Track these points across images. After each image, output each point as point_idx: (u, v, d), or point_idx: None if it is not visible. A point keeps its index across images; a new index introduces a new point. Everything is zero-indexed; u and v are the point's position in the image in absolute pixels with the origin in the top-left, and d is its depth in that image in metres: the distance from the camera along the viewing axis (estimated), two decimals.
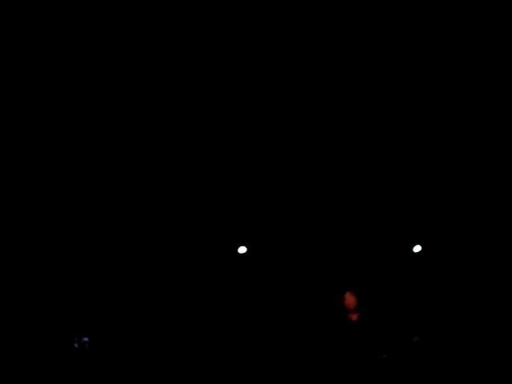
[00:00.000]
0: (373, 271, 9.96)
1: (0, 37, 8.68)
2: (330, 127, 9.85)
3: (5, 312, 9.67)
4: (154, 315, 9.37)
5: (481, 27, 8.28)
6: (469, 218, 10.11)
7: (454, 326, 9.25)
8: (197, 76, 9.46)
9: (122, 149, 10.35)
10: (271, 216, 10.66)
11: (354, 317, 6.89)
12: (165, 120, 10.06)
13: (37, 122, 9.98)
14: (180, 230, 10.70)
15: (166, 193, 10.69)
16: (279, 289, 10.39)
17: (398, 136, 9.81)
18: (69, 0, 8.27)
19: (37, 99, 9.74)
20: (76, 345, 9.39)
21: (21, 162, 10.30)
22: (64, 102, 9.76)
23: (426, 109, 9.39)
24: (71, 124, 10.04)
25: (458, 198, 10.08)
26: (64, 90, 9.61)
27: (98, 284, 10.33)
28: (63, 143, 10.24)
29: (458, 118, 9.37)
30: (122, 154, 10.41)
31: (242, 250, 10.70)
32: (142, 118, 9.99)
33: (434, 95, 9.23)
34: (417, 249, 10.29)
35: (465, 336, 8.99)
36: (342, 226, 10.39)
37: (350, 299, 6.83)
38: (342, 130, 9.88)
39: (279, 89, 9.57)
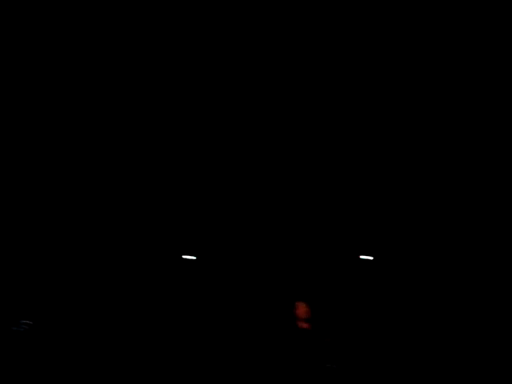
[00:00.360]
0: (324, 280, 10.02)
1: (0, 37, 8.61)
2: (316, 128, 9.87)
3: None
4: (144, 314, 9.24)
5: (481, 27, 8.38)
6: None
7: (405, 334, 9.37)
8: (197, 76, 9.40)
9: (121, 148, 10.22)
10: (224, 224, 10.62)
11: (305, 325, 6.95)
12: (164, 120, 9.98)
13: (37, 122, 9.83)
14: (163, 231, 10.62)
15: (165, 192, 10.59)
16: (232, 296, 10.37)
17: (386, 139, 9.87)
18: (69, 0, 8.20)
19: (37, 99, 9.61)
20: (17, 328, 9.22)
21: (21, 162, 10.12)
22: (64, 101, 9.63)
23: (424, 109, 9.45)
24: (71, 124, 9.89)
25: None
26: (64, 90, 9.50)
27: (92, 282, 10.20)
28: (63, 143, 10.08)
29: (457, 118, 9.44)
30: (120, 152, 10.28)
31: (188, 257, 10.64)
32: (142, 117, 9.89)
33: (434, 95, 9.30)
34: (365, 257, 10.42)
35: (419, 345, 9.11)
36: (296, 234, 10.43)
37: (301, 308, 6.90)
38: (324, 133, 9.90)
39: (279, 89, 9.57)
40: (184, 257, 10.76)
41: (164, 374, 9.04)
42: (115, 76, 9.43)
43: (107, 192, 10.69)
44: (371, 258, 10.28)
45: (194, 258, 10.82)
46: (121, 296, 10.10)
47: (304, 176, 10.49)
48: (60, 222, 10.72)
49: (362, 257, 10.43)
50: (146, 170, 10.58)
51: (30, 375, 8.58)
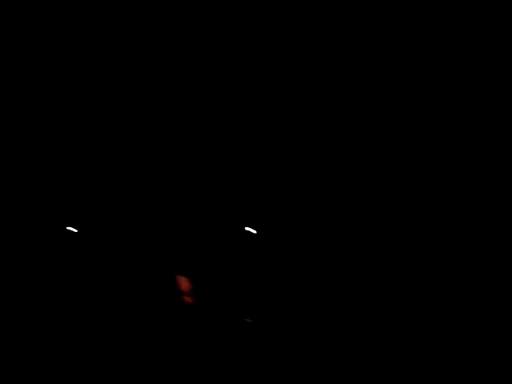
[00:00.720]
0: (207, 254, 10.01)
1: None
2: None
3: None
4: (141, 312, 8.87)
5: (481, 27, 8.43)
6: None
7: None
8: (197, 76, 9.14)
9: (120, 147, 9.87)
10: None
11: (189, 299, 6.92)
12: (164, 119, 9.67)
13: (37, 122, 9.43)
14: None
15: (163, 191, 10.24)
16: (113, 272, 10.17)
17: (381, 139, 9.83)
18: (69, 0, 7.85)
19: (37, 99, 9.23)
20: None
21: (21, 162, 9.71)
22: (64, 101, 9.27)
23: (422, 109, 9.44)
24: (71, 124, 9.53)
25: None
26: (64, 90, 9.15)
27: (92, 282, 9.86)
28: (63, 143, 9.70)
29: (456, 118, 9.48)
30: (120, 152, 9.93)
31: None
32: (142, 117, 9.57)
33: (433, 95, 9.29)
34: (249, 229, 10.49)
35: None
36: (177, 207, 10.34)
37: (183, 283, 6.85)
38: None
39: (279, 89, 9.37)
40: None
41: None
42: (115, 76, 9.15)
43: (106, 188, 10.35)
44: (254, 231, 10.37)
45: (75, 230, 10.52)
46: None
47: (188, 148, 10.39)
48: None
49: (247, 228, 10.48)
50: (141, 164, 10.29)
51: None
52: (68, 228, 10.39)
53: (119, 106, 9.75)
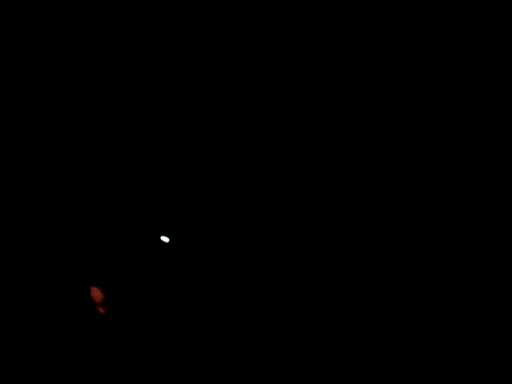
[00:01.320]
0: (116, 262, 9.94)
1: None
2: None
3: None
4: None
5: (481, 27, 8.49)
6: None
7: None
8: (197, 76, 8.97)
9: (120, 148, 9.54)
10: None
11: (102, 310, 6.87)
12: (164, 119, 9.41)
13: (37, 122, 9.08)
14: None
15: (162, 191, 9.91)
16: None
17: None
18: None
19: (37, 99, 8.93)
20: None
21: (21, 161, 9.29)
22: (64, 101, 9.00)
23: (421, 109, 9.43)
24: (71, 124, 9.21)
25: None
26: (64, 90, 8.90)
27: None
28: (63, 143, 9.33)
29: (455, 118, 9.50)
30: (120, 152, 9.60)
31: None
32: (142, 117, 9.29)
33: (434, 95, 9.29)
34: (164, 239, 10.47)
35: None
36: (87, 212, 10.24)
37: (95, 292, 6.80)
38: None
39: (279, 89, 9.24)
40: None
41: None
42: (115, 76, 9.00)
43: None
44: (167, 239, 10.37)
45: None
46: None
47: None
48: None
49: (162, 238, 10.46)
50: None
51: None
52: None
53: (117, 106, 9.66)
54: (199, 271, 10.21)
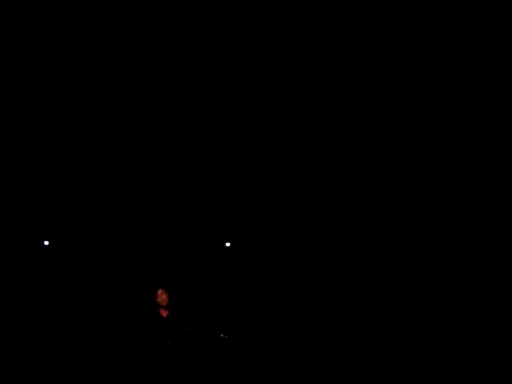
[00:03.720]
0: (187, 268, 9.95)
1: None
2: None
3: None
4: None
5: (481, 27, 8.43)
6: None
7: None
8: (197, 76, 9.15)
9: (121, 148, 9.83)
10: None
11: (164, 313, 6.89)
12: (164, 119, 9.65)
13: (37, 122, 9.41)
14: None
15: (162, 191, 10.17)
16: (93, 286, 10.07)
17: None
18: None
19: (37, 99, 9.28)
20: None
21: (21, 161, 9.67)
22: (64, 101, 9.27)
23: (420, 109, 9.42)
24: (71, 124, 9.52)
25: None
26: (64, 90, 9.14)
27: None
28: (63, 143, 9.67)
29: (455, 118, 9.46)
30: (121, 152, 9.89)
31: None
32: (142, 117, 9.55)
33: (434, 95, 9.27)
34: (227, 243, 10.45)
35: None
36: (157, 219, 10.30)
37: (161, 296, 6.81)
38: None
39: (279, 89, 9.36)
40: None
41: None
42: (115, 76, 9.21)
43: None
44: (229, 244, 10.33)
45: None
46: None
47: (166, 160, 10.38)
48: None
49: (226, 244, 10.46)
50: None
51: None
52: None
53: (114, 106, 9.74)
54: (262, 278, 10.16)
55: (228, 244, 10.28)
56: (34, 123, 9.68)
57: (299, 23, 8.98)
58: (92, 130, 9.79)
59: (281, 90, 9.75)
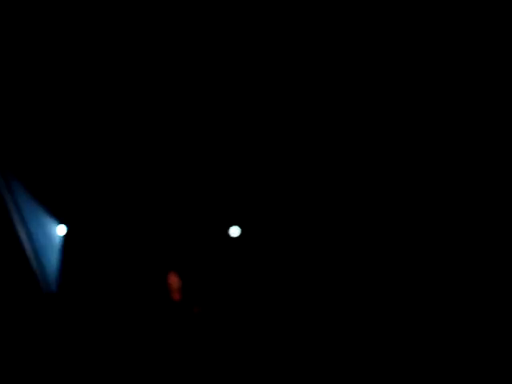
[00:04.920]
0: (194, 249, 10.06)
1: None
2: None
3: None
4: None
5: (481, 27, 8.50)
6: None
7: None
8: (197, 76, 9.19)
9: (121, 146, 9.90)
10: None
11: (177, 296, 6.98)
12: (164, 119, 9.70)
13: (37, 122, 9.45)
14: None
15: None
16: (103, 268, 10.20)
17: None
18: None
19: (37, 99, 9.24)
20: None
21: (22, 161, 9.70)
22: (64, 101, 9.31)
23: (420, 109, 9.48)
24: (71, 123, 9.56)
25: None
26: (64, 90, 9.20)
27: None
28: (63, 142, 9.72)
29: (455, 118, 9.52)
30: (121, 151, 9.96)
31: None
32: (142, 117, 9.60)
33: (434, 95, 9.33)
34: (234, 232, 10.59)
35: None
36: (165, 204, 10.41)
37: (172, 278, 6.92)
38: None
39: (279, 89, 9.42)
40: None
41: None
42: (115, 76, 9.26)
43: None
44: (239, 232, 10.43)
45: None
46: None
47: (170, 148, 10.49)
48: None
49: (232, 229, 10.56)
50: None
51: None
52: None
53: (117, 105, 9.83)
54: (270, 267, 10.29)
55: (239, 231, 10.41)
56: (35, 123, 9.80)
57: (299, 23, 9.07)
58: (92, 128, 9.90)
59: (281, 90, 9.87)
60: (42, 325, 9.44)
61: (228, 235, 10.51)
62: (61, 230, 10.49)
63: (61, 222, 10.50)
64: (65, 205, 10.55)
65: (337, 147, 10.47)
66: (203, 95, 10.10)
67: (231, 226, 10.64)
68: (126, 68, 9.70)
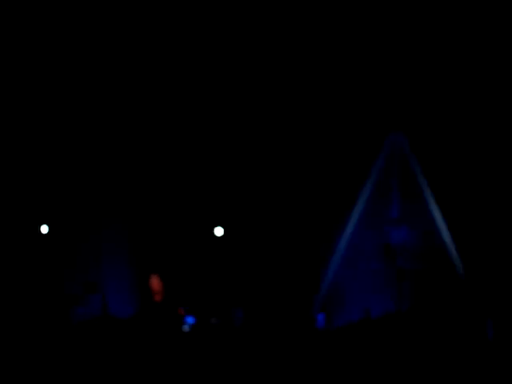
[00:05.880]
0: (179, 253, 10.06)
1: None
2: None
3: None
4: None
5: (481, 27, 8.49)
6: None
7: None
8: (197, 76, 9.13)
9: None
10: None
11: (158, 297, 7.03)
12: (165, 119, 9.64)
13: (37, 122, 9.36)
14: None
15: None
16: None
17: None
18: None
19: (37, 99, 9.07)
20: None
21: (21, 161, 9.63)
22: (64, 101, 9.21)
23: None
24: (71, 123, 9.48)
25: None
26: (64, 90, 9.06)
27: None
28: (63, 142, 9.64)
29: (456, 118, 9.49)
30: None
31: None
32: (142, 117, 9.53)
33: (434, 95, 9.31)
34: (218, 232, 10.60)
35: None
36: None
37: (154, 281, 6.96)
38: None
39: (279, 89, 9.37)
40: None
41: None
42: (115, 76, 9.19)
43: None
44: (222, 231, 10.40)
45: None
46: None
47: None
48: None
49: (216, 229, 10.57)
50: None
51: None
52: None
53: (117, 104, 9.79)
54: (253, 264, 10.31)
55: (222, 230, 10.41)
56: (34, 123, 9.74)
57: (299, 23, 9.04)
58: (93, 127, 9.86)
59: (280, 90, 9.84)
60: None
61: (211, 235, 10.50)
62: (44, 229, 10.46)
63: None
64: (50, 205, 10.52)
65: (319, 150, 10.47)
66: (185, 101, 10.03)
67: (214, 226, 10.65)
68: (126, 68, 9.62)
